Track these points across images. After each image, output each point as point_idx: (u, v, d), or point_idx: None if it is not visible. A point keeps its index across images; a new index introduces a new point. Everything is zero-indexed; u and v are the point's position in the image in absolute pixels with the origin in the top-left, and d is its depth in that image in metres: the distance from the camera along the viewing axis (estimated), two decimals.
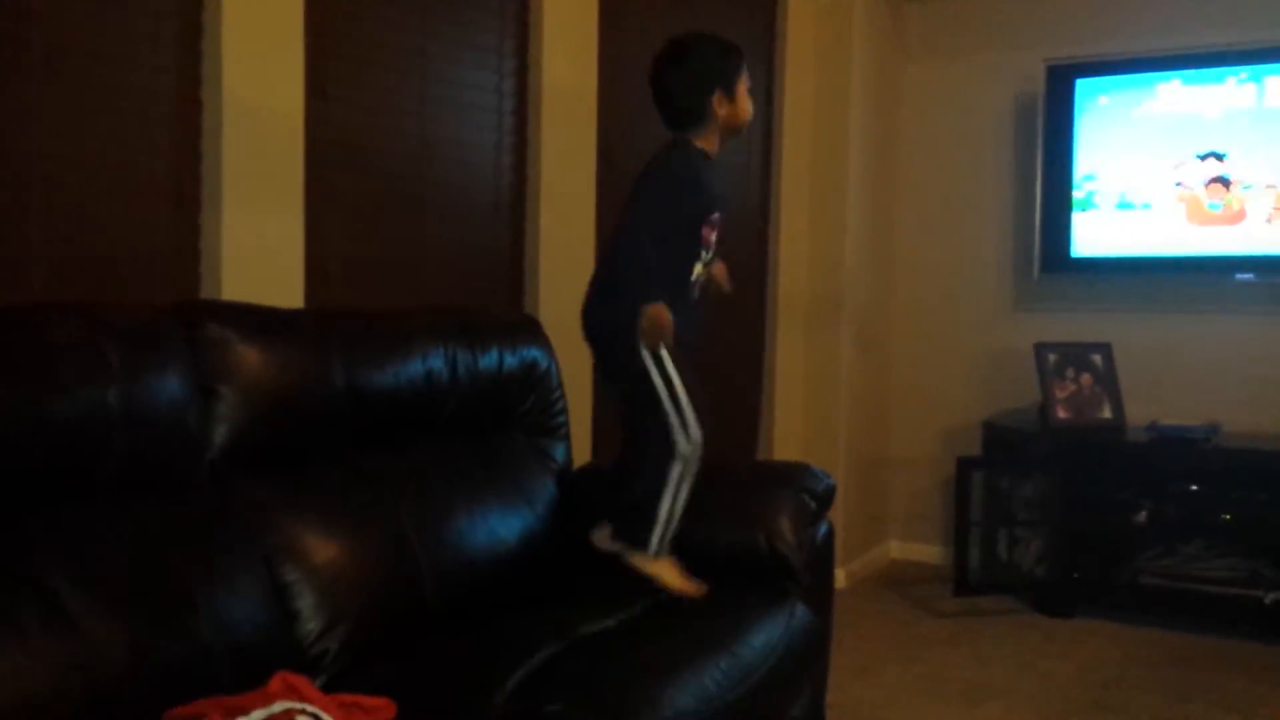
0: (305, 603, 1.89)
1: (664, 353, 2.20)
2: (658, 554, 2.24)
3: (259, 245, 2.45)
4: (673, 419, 2.22)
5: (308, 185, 2.57)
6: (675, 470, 2.23)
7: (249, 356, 1.98)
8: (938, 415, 4.67)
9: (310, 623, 1.88)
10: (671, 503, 2.23)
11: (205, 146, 2.42)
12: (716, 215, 2.37)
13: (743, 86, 2.31)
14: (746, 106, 2.31)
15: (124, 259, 2.28)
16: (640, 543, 2.23)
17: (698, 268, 2.36)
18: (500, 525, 2.33)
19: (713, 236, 2.37)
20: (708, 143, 2.35)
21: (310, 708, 1.31)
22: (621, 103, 3.59)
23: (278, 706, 1.29)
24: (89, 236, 2.20)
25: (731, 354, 4.25)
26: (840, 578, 4.22)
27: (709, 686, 1.91)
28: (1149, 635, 3.70)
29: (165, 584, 1.65)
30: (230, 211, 2.40)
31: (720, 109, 2.27)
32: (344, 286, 2.75)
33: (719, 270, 2.46)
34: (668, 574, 2.22)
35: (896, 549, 4.80)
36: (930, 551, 4.68)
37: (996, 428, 4.25)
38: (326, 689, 1.82)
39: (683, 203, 2.27)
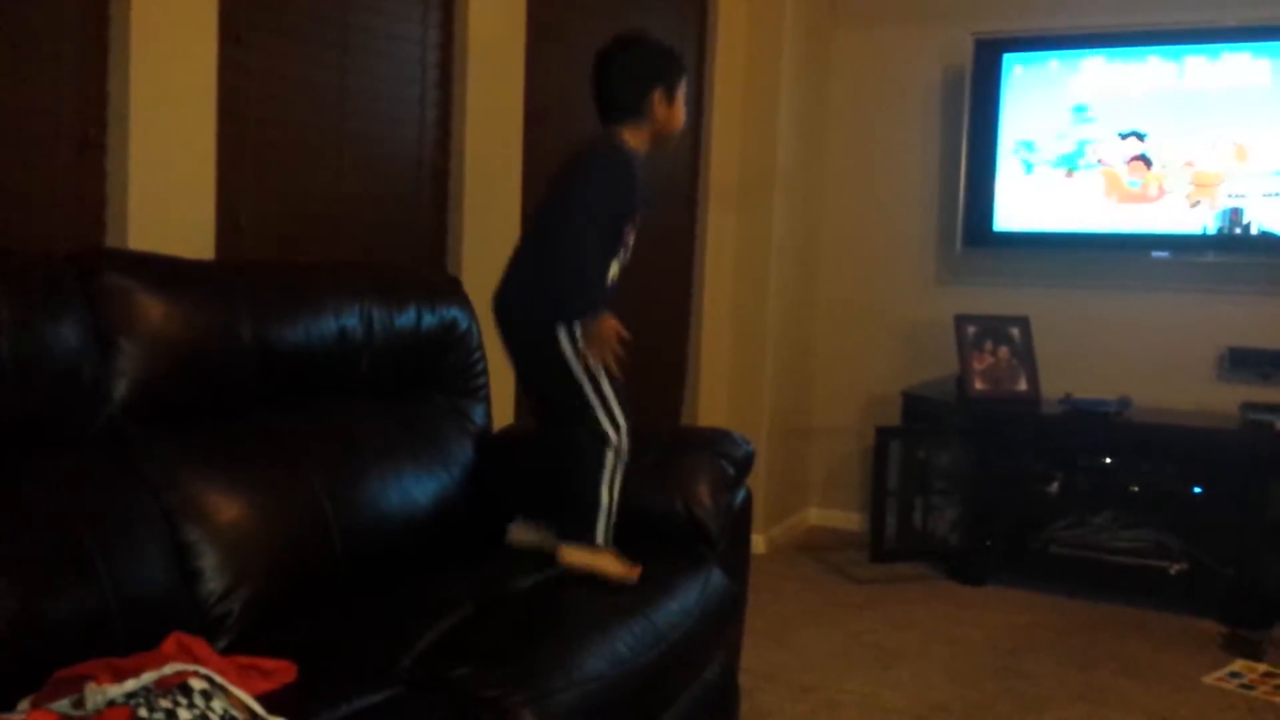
0: (207, 562, 1.83)
1: (580, 342, 2.17)
2: (602, 546, 2.19)
3: (167, 194, 2.37)
4: (599, 411, 2.19)
5: (220, 134, 2.48)
6: (609, 459, 2.20)
7: (151, 308, 1.91)
8: (859, 385, 4.70)
9: (212, 583, 1.83)
10: (610, 492, 2.20)
11: (112, 89, 2.33)
12: (637, 217, 2.34)
13: (681, 94, 2.29)
14: (681, 114, 2.29)
15: (23, 206, 2.19)
16: (585, 537, 2.17)
17: (614, 268, 2.31)
18: (415, 487, 2.29)
19: (631, 238, 2.32)
20: (638, 141, 2.31)
21: (204, 670, 1.26)
22: (550, 61, 3.53)
23: (169, 669, 1.24)
24: None
25: (658, 325, 4.24)
26: (759, 543, 4.25)
27: (621, 650, 1.90)
28: (1058, 603, 3.78)
29: (56, 541, 1.58)
30: (137, 158, 2.31)
31: (659, 109, 2.24)
32: (257, 239, 2.67)
33: None
34: (611, 565, 2.15)
35: (816, 515, 4.84)
36: (849, 518, 4.73)
37: (915, 398, 4.29)
38: (228, 651, 1.78)
39: (615, 202, 2.22)
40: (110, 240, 2.32)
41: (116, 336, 1.86)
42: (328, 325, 2.23)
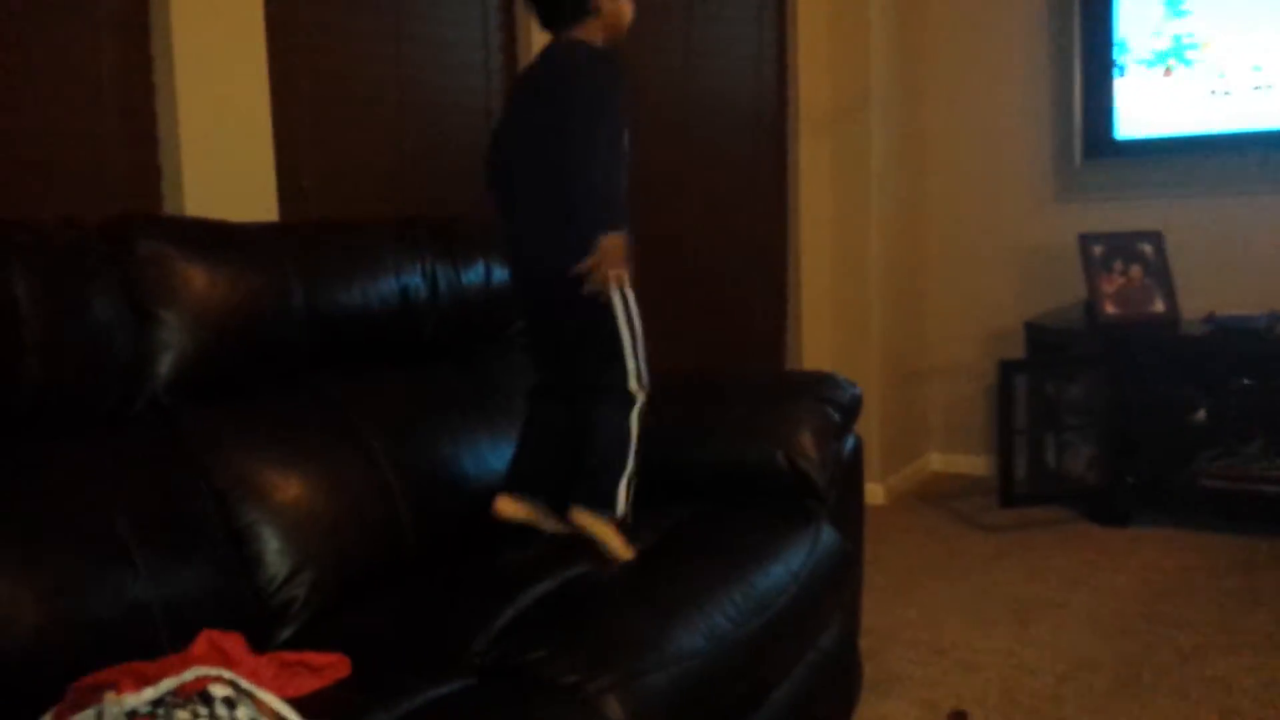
0: (266, 546, 1.69)
1: (629, 289, 1.95)
2: (620, 515, 1.95)
3: (223, 161, 2.25)
4: (631, 364, 1.97)
5: (274, 93, 2.34)
6: (636, 420, 1.98)
7: (191, 275, 1.77)
8: (977, 317, 4.39)
9: (272, 569, 1.69)
10: (637, 459, 1.97)
11: (155, 50, 2.20)
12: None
13: None
14: (629, 8, 2.06)
15: (72, 180, 2.08)
16: (606, 503, 1.94)
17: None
18: (492, 454, 2.12)
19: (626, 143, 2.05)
20: (591, 41, 2.05)
21: (228, 674, 1.11)
22: None
23: (190, 673, 1.09)
24: (32, 154, 1.99)
25: (754, 265, 4.01)
26: (877, 494, 4.02)
27: (720, 622, 1.70)
28: (1210, 541, 3.46)
29: (89, 533, 1.45)
30: (187, 124, 2.19)
31: (605, 3, 2.01)
32: (321, 202, 2.54)
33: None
34: (615, 537, 1.92)
35: (938, 461, 4.56)
36: (974, 462, 4.43)
37: (1040, 328, 3.99)
38: (293, 641, 1.65)
39: (619, 108, 1.97)
40: (168, 213, 2.20)
41: (155, 308, 1.72)
42: (387, 285, 2.07)
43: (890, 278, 4.15)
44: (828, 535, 2.10)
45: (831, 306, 4.10)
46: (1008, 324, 4.20)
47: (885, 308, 4.12)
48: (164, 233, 1.78)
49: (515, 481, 2.05)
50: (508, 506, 2.02)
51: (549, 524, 2.02)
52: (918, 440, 4.48)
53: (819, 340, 4.12)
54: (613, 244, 1.88)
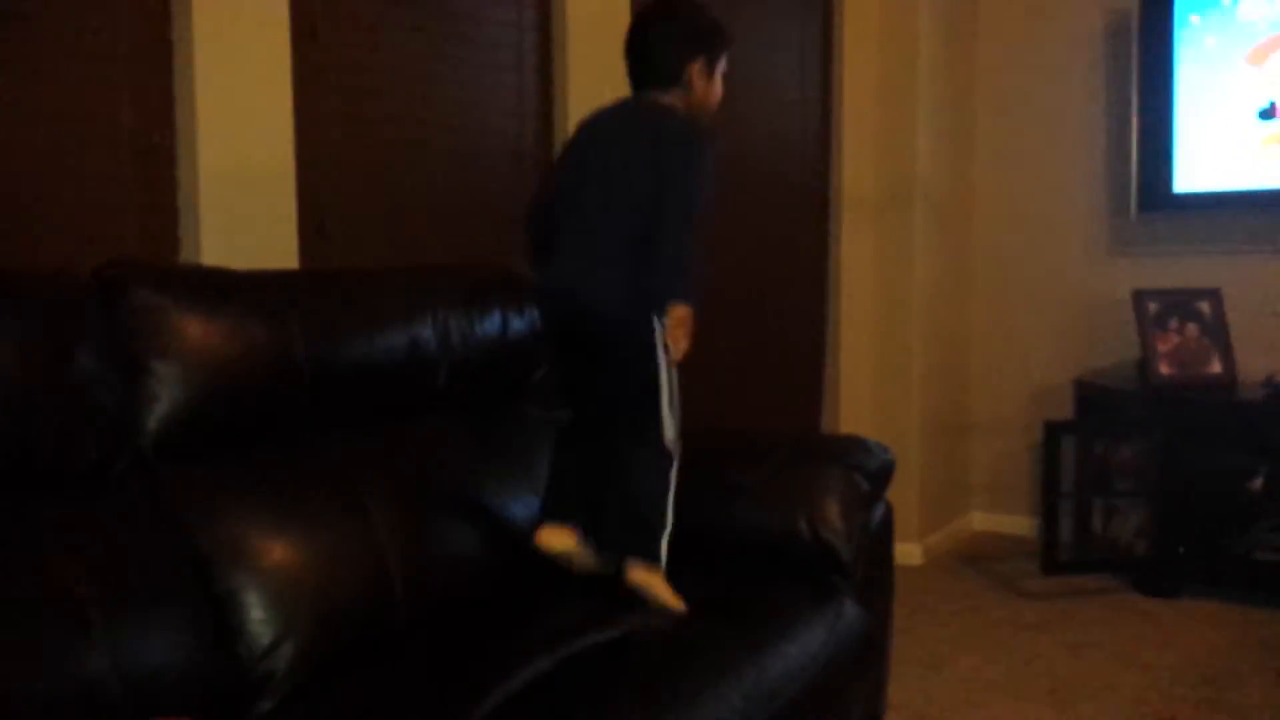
0: (248, 615, 1.61)
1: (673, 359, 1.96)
2: (661, 564, 1.93)
3: (244, 203, 2.19)
4: (667, 416, 1.95)
5: (298, 135, 2.29)
6: (674, 470, 1.96)
7: (187, 327, 1.70)
8: (1024, 372, 4.23)
9: (254, 639, 1.60)
10: (674, 509, 1.95)
11: (177, 91, 2.16)
12: None
13: (720, 70, 2.12)
14: (719, 90, 2.11)
15: (87, 223, 2.03)
16: (649, 552, 1.91)
17: None
18: (498, 515, 2.03)
19: None
20: (678, 109, 2.08)
21: None
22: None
23: None
24: (43, 195, 1.95)
25: (788, 310, 3.89)
26: (915, 554, 3.88)
27: (729, 709, 1.59)
28: (1263, 617, 3.27)
29: (47, 598, 1.37)
30: (208, 166, 2.14)
31: (697, 80, 2.06)
32: (344, 246, 2.47)
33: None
34: (664, 587, 1.90)
35: (980, 520, 4.40)
36: (1018, 523, 4.26)
37: (1090, 386, 3.83)
38: (272, 716, 1.56)
39: (710, 183, 2.00)
40: (184, 256, 2.15)
41: (147, 360, 1.66)
42: (395, 337, 1.99)
43: (934, 328, 4.02)
44: (851, 612, 1.99)
45: (873, 358, 3.98)
46: (1056, 380, 4.05)
47: (928, 359, 3.99)
48: (159, 281, 1.71)
49: (554, 509, 2.02)
50: (549, 537, 1.98)
51: (584, 558, 2.00)
52: (959, 498, 4.32)
53: (858, 392, 3.99)
54: (685, 315, 1.90)
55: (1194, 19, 3.71)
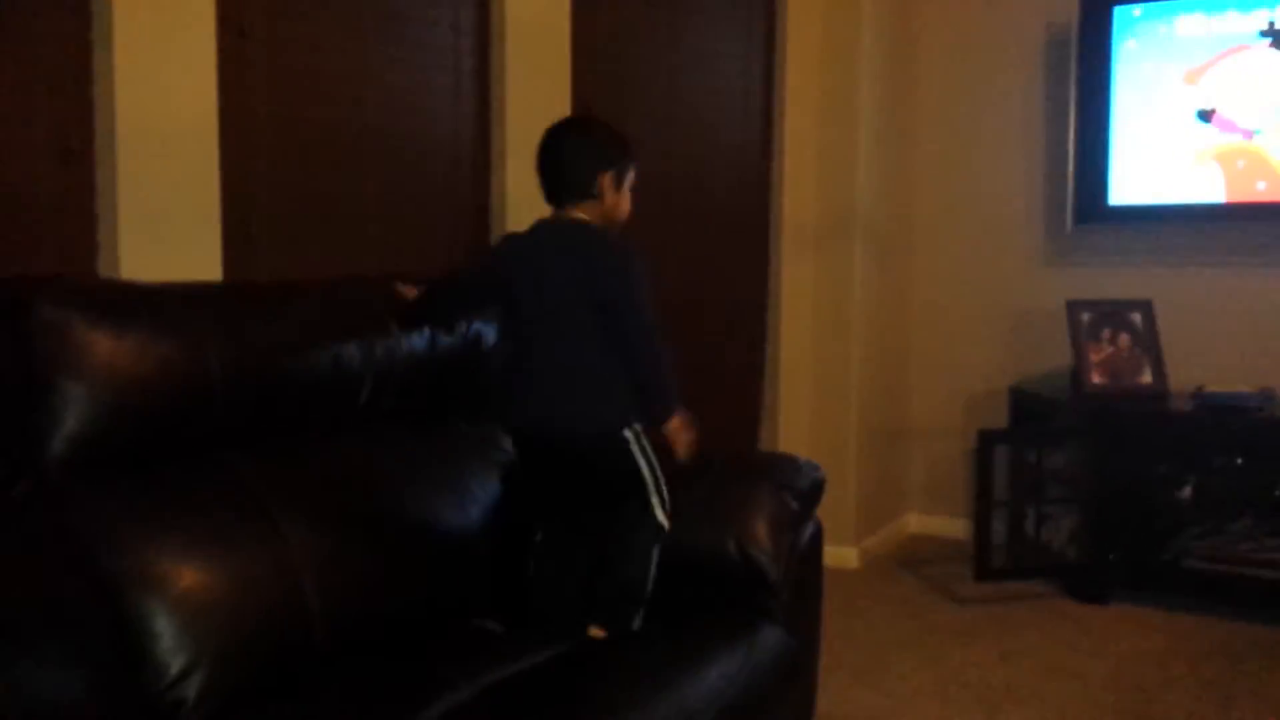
0: (156, 642, 1.56)
1: (646, 441, 2.06)
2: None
3: (166, 208, 2.13)
4: (655, 499, 2.04)
5: (223, 138, 2.23)
6: (658, 549, 2.05)
7: (95, 343, 1.64)
8: (961, 379, 4.27)
9: (163, 666, 1.55)
10: (653, 580, 2.05)
11: (97, 94, 2.09)
12: None
13: (629, 183, 2.20)
14: (627, 205, 2.20)
15: (3, 231, 1.96)
16: (629, 624, 1.99)
17: None
18: (425, 535, 1.99)
19: None
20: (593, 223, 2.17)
21: None
22: (601, 39, 3.22)
23: None
24: None
25: (728, 316, 3.88)
26: (851, 557, 3.89)
27: None
28: (1190, 624, 3.33)
29: None
30: (128, 171, 2.07)
31: (608, 191, 2.14)
32: (270, 250, 2.42)
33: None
34: None
35: (916, 523, 4.43)
36: (954, 525, 4.29)
37: (1024, 394, 3.87)
38: None
39: (649, 294, 2.09)
40: (103, 265, 2.09)
41: (53, 378, 1.60)
42: (316, 353, 1.94)
43: (873, 334, 4.04)
44: (771, 636, 1.98)
45: (812, 376, 3.98)
46: (993, 387, 4.09)
47: (867, 373, 4.00)
48: (67, 295, 1.65)
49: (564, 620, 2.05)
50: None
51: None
52: (896, 501, 4.35)
53: (798, 406, 3.99)
54: (681, 421, 2.02)
55: (1131, 44, 3.75)
